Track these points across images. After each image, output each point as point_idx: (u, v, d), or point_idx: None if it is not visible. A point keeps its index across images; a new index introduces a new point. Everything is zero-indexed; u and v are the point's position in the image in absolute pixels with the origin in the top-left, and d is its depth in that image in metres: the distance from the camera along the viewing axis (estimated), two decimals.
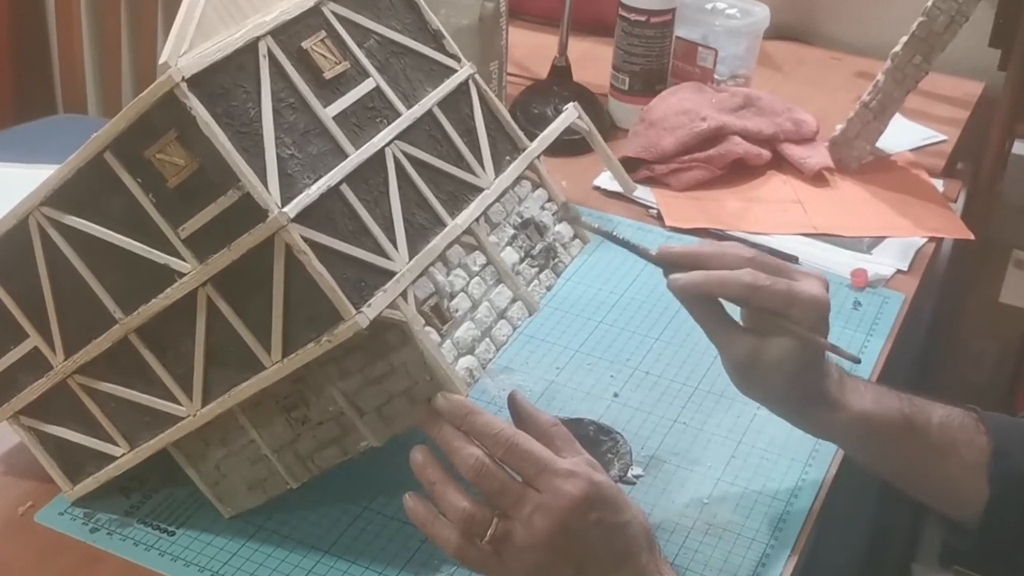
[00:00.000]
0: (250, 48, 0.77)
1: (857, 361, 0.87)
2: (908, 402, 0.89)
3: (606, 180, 1.40)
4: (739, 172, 1.41)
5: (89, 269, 0.81)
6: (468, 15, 1.31)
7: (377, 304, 0.75)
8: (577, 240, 0.93)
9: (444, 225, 0.83)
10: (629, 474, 0.96)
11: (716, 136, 1.39)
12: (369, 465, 0.88)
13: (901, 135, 1.50)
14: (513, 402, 0.81)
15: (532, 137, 0.93)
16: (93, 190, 0.79)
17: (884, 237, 1.32)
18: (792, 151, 1.43)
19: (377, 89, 0.84)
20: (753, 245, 1.27)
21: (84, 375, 0.85)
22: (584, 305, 1.17)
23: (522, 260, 0.88)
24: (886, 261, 1.28)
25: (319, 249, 0.75)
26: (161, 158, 0.75)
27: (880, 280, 1.25)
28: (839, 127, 1.42)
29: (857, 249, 1.30)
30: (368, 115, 0.83)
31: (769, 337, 0.84)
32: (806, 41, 1.83)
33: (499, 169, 0.89)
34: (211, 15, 0.76)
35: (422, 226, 0.82)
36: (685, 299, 0.86)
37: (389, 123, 0.83)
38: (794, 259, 1.26)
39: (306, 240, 0.74)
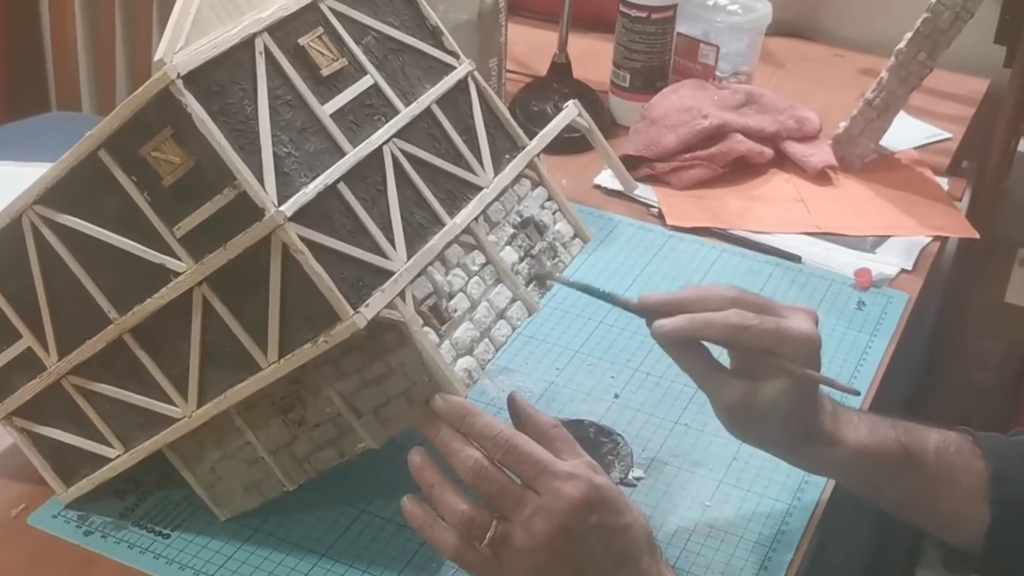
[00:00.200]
0: (246, 45, 0.77)
1: (856, 393, 0.86)
2: (903, 430, 0.88)
3: (607, 178, 1.39)
4: (741, 170, 1.40)
5: (83, 268, 0.80)
6: (467, 11, 1.30)
7: (375, 304, 0.74)
8: (577, 239, 0.92)
9: (443, 224, 0.82)
10: (630, 476, 0.96)
11: (718, 134, 1.39)
12: (366, 467, 0.87)
13: (905, 133, 1.49)
14: (512, 403, 0.80)
15: (532, 135, 0.92)
16: (87, 188, 0.78)
17: (888, 236, 1.31)
18: (795, 149, 1.42)
19: (375, 86, 0.83)
20: (756, 244, 1.28)
21: (78, 376, 0.85)
22: (584, 305, 1.16)
23: (521, 259, 0.87)
24: (890, 260, 1.27)
25: (316, 248, 0.74)
26: (156, 156, 0.74)
27: (884, 280, 1.24)
28: (842, 125, 1.41)
29: (861, 248, 1.29)
30: (366, 113, 0.82)
31: (761, 378, 0.82)
32: (809, 38, 1.82)
33: (498, 167, 0.88)
34: (207, 11, 0.76)
35: (420, 225, 0.81)
36: (670, 346, 0.84)
37: (387, 121, 0.82)
38: (797, 258, 1.26)
39: (303, 239, 0.73)
